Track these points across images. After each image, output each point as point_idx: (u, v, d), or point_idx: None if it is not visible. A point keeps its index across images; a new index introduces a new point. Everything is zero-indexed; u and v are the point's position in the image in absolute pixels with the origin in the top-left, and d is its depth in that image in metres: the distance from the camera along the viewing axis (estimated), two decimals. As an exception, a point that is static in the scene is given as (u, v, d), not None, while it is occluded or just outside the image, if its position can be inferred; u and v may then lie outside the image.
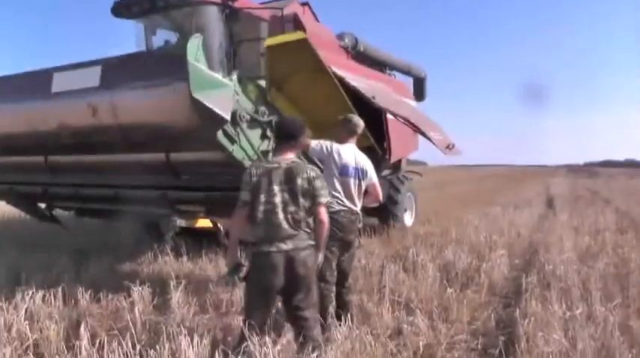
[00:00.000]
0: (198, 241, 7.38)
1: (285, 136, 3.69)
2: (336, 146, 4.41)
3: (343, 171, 4.31)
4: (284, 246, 3.40)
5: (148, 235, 7.98)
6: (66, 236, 8.32)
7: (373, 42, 9.36)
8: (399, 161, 9.48)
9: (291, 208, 3.43)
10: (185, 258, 6.77)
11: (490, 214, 11.30)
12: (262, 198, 3.43)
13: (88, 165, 5.75)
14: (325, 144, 4.40)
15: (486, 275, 5.77)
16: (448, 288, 5.12)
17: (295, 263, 3.40)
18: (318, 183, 3.50)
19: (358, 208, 4.41)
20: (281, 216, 3.41)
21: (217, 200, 5.22)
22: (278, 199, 3.42)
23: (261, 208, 3.43)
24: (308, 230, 3.49)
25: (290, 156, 3.62)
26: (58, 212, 7.75)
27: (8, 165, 6.36)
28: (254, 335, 3.32)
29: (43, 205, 7.53)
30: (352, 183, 4.35)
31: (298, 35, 5.08)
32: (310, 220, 3.53)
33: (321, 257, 3.64)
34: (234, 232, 3.71)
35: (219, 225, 6.18)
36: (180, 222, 6.50)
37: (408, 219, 9.72)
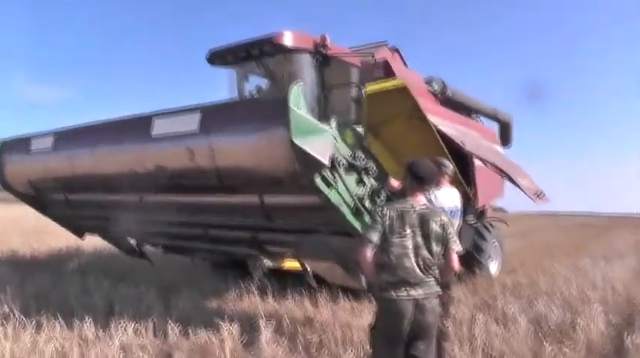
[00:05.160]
0: (284, 281, 7.42)
1: (421, 180, 3.54)
2: (434, 191, 4.58)
3: None
4: (414, 293, 3.28)
5: (234, 273, 8.10)
6: (153, 270, 8.60)
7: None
8: (484, 207, 9.25)
9: (424, 253, 3.33)
10: (271, 298, 6.80)
11: (579, 266, 10.71)
12: (395, 240, 3.33)
13: (181, 204, 5.87)
14: None
15: (583, 331, 5.43)
16: (545, 344, 4.85)
17: (425, 311, 3.29)
18: (451, 229, 3.43)
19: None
20: (413, 260, 3.31)
21: (308, 242, 5.27)
22: (410, 243, 3.33)
23: (394, 251, 3.32)
24: (437, 276, 3.39)
25: (422, 200, 3.54)
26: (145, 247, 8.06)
27: (105, 203, 6.65)
28: None
29: (133, 241, 7.84)
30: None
31: (398, 83, 5.14)
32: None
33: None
34: (369, 272, 3.49)
35: (307, 266, 6.21)
36: (269, 263, 6.56)
37: (494, 267, 9.38)
